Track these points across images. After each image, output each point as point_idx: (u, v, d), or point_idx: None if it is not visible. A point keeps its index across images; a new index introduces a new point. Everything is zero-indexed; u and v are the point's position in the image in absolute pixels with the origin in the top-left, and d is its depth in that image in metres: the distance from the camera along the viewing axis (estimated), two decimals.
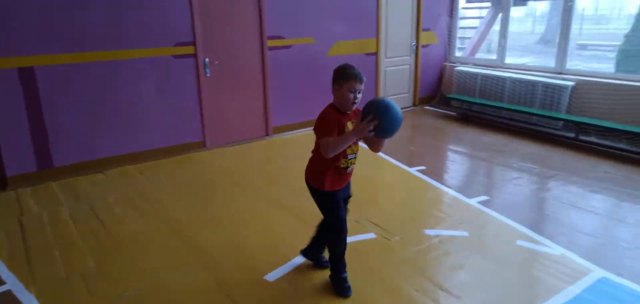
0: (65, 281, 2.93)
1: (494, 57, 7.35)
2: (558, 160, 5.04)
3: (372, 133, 2.30)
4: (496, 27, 7.72)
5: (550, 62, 6.49)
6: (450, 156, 5.52)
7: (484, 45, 8.63)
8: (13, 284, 2.90)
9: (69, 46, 4.69)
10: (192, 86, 5.55)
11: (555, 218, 3.68)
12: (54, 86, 4.68)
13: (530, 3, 10.23)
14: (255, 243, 3.38)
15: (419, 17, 7.46)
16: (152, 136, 5.39)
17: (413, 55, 7.64)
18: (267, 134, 6.29)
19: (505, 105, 6.58)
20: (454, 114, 7.24)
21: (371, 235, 3.39)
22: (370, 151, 2.62)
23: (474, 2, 8.71)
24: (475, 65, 7.51)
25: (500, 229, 3.51)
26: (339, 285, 2.72)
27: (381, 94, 7.27)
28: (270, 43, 6.02)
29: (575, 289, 2.72)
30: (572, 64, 6.42)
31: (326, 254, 2.82)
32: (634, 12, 6.34)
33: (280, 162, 5.29)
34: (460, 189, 4.30)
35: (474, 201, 4.01)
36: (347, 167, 2.56)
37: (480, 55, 8.23)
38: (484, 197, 4.08)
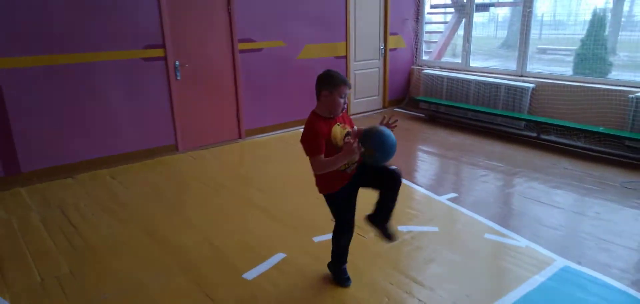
0: (40, 286, 2.89)
1: (459, 60, 7.60)
2: (521, 158, 5.27)
3: (366, 159, 2.39)
4: (461, 31, 7.98)
5: (512, 66, 6.77)
6: (420, 155, 5.68)
7: (449, 49, 8.89)
8: None
9: (34, 49, 4.60)
10: (163, 89, 5.52)
11: (520, 212, 3.87)
12: (19, 90, 4.58)
13: (492, 9, 10.60)
14: (232, 243, 3.41)
15: (387, 21, 7.64)
16: (123, 140, 5.33)
17: (382, 59, 7.82)
18: (239, 137, 6.30)
19: (470, 106, 6.82)
20: (423, 115, 7.44)
21: None
22: None
23: (439, 7, 8.96)
24: (442, 68, 7.74)
25: (469, 224, 3.66)
26: (338, 275, 2.82)
27: (352, 95, 7.39)
28: (240, 46, 6.05)
29: (539, 278, 2.88)
30: (533, 67, 6.73)
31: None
32: (588, 18, 6.68)
33: (253, 165, 5.32)
34: (430, 188, 4.45)
35: (443, 198, 4.16)
36: (346, 168, 2.54)
37: (446, 58, 8.48)
38: (452, 195, 4.24)
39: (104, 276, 3.00)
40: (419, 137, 6.34)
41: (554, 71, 6.91)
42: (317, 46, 6.83)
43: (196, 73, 5.76)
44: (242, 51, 6.07)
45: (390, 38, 7.77)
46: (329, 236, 3.37)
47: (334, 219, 2.72)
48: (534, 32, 6.59)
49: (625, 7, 7.61)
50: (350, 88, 2.50)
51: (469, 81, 6.98)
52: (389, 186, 2.58)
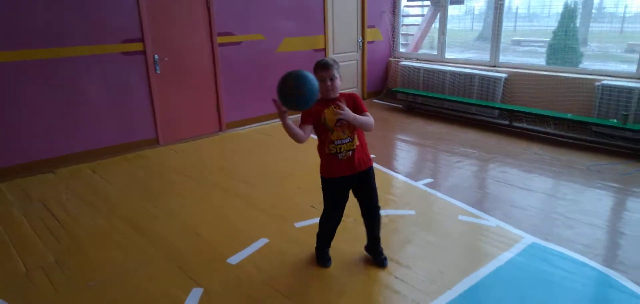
0: (25, 276, 2.93)
1: (435, 52, 7.78)
2: (494, 145, 5.47)
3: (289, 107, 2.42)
4: (437, 24, 8.16)
5: (487, 57, 6.98)
6: (398, 144, 5.84)
7: (426, 42, 9.07)
8: None
9: (11, 44, 4.58)
10: (143, 83, 5.54)
11: (492, 195, 4.05)
12: None
13: (467, 2, 10.82)
14: (215, 231, 3.50)
15: (364, 14, 7.77)
16: (104, 134, 5.34)
17: (360, 52, 7.95)
18: (220, 130, 6.36)
19: (446, 96, 7.01)
20: (400, 106, 7.61)
21: None
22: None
23: (415, 0, 9.13)
24: (418, 60, 7.92)
25: (444, 207, 3.82)
26: (320, 257, 2.98)
27: None
28: (220, 39, 6.09)
29: (509, 254, 3.04)
30: (507, 58, 6.94)
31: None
32: (560, 10, 6.92)
33: (234, 157, 5.40)
34: (407, 174, 4.60)
35: (420, 184, 4.31)
36: (337, 153, 2.62)
37: (423, 51, 8.65)
38: (429, 180, 4.39)
39: (89, 266, 3.05)
40: (397, 127, 6.50)
41: (527, 62, 7.15)
42: (296, 39, 6.91)
43: (176, 67, 5.79)
44: (221, 44, 6.12)
45: (368, 31, 7.90)
46: (311, 221, 3.52)
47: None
48: (508, 25, 6.81)
49: (596, 0, 7.89)
50: (327, 70, 2.56)
51: (444, 72, 7.17)
52: (367, 215, 2.86)
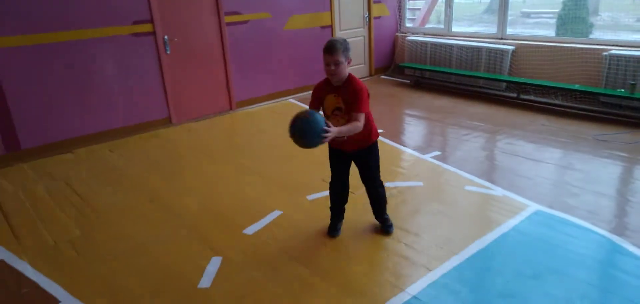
0: (54, 248, 3.10)
1: (442, 26, 7.79)
2: (502, 117, 5.54)
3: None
4: None
5: (494, 30, 6.98)
6: (406, 119, 5.92)
7: (433, 16, 9.06)
8: (4, 254, 3.05)
9: (27, 28, 4.70)
10: (154, 63, 5.66)
11: (499, 166, 4.15)
12: (14, 69, 4.70)
13: None
14: (231, 204, 3.64)
15: None
16: (118, 115, 5.48)
17: (366, 28, 7.97)
18: (230, 109, 6.48)
19: (453, 70, 7.04)
20: (408, 81, 7.66)
21: None
22: None
23: None
24: (425, 34, 7.93)
25: (451, 178, 3.92)
26: (329, 227, 3.12)
27: None
28: (227, 19, 6.17)
29: (514, 222, 3.16)
30: (516, 30, 6.93)
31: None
32: None
33: (245, 134, 5.52)
34: (415, 148, 4.70)
35: (427, 157, 4.42)
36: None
37: (430, 25, 8.65)
38: (437, 153, 4.49)
39: (113, 237, 3.22)
40: (405, 102, 6.57)
41: (533, 33, 7.14)
42: (303, 17, 6.96)
43: (185, 47, 5.89)
44: (229, 24, 6.19)
45: (374, 6, 7.91)
46: (322, 194, 3.66)
47: None
48: None
49: None
50: (331, 54, 2.53)
51: (451, 46, 7.19)
52: (367, 187, 3.01)
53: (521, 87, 6.21)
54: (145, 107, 5.68)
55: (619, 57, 5.38)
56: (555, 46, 6.08)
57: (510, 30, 6.80)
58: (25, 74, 4.77)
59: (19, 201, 3.87)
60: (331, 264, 2.80)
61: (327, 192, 3.66)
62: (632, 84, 5.13)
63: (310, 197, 3.65)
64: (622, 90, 5.30)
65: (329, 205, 3.12)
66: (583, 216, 3.18)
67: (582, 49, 5.81)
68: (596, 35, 6.48)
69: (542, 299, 2.38)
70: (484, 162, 4.28)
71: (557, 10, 7.15)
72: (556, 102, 5.89)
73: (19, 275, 2.84)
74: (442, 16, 7.99)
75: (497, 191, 3.63)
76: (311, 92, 2.79)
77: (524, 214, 3.24)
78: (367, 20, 7.92)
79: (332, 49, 2.53)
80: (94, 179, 4.26)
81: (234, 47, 6.31)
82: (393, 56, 8.44)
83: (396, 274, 2.66)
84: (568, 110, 5.64)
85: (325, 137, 2.43)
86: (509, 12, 6.78)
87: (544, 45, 6.19)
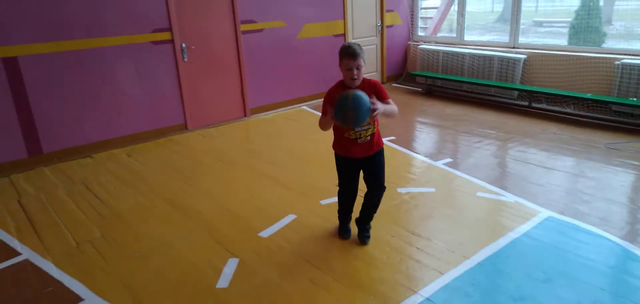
0: (76, 249, 3.21)
1: (454, 35, 7.85)
2: (513, 125, 5.57)
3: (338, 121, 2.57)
4: (456, 7, 8.21)
5: (506, 39, 7.02)
6: (418, 126, 5.98)
7: (445, 25, 9.13)
8: (29, 254, 3.16)
9: (50, 35, 4.86)
10: (171, 70, 5.79)
11: (510, 174, 4.19)
12: (38, 75, 4.85)
13: None
14: (246, 208, 3.73)
15: None
16: (136, 120, 5.62)
17: (379, 36, 8.06)
18: (245, 115, 6.59)
19: (465, 79, 7.09)
20: (420, 89, 7.72)
21: None
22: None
23: None
24: (437, 43, 8.00)
25: (463, 185, 3.97)
26: (340, 228, 3.20)
27: None
28: (243, 27, 6.30)
29: (525, 227, 3.20)
30: (528, 39, 6.97)
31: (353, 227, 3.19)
32: None
33: (260, 141, 5.62)
34: (427, 154, 4.76)
35: (439, 163, 4.47)
36: (358, 138, 2.78)
37: (442, 34, 8.72)
38: (448, 160, 4.54)
39: (134, 239, 3.32)
40: (417, 110, 6.63)
41: (545, 42, 7.17)
42: (316, 25, 7.07)
43: (202, 55, 6.03)
44: (244, 32, 6.32)
45: (387, 15, 8.00)
46: (335, 199, 3.70)
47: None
48: (530, 5, 6.83)
49: None
50: (354, 59, 2.63)
51: (463, 55, 7.24)
52: (372, 191, 2.99)
53: (533, 95, 6.24)
54: (162, 113, 5.81)
55: (631, 66, 5.39)
56: (567, 55, 6.11)
57: (522, 39, 6.84)
58: (48, 80, 4.92)
59: (41, 203, 4.00)
60: (344, 266, 2.87)
61: None
62: None
63: (323, 201, 3.73)
64: (634, 99, 5.31)
65: (338, 210, 3.19)
66: (594, 222, 3.22)
67: (594, 58, 5.83)
68: (609, 44, 6.49)
69: (554, 302, 2.42)
70: (496, 169, 4.32)
71: (569, 19, 7.17)
72: (568, 110, 5.91)
73: (44, 274, 2.95)
74: (454, 25, 8.06)
75: (509, 197, 3.67)
76: (324, 101, 2.80)
77: (536, 220, 3.28)
78: (380, 28, 8.01)
79: (355, 54, 2.63)
80: (113, 182, 4.38)
81: (249, 55, 6.43)
82: (405, 64, 8.51)
83: (409, 276, 2.72)
84: (580, 119, 5.65)
85: (374, 112, 2.52)
86: (521, 21, 6.83)
87: (556, 54, 6.23)
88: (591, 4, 6.71)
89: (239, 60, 6.37)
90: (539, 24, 12.44)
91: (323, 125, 2.79)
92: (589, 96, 5.69)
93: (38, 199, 4.08)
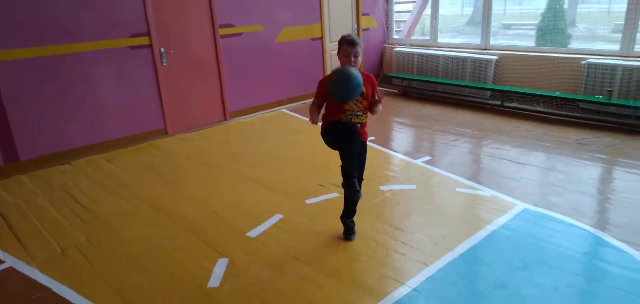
0: (62, 255, 3.19)
1: (428, 37, 8.05)
2: (488, 124, 5.77)
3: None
4: (428, 10, 8.42)
5: (478, 41, 7.25)
6: (396, 127, 6.12)
7: (418, 28, 9.33)
8: (12, 261, 3.12)
9: (26, 41, 4.79)
10: (150, 75, 5.77)
11: (486, 169, 4.35)
12: (14, 81, 4.77)
13: None
14: (232, 209, 3.76)
15: (358, 2, 8.00)
16: (115, 126, 5.57)
17: None
18: (224, 119, 6.60)
19: (440, 80, 7.29)
20: (396, 91, 7.88)
21: (335, 195, 3.86)
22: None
23: None
24: (412, 45, 8.19)
25: (442, 181, 4.11)
26: (345, 228, 3.19)
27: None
28: (222, 31, 6.32)
29: (503, 219, 3.34)
30: (497, 41, 7.23)
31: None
32: None
33: (241, 144, 5.65)
34: (406, 153, 4.89)
35: (419, 161, 4.60)
36: (350, 117, 2.84)
37: (415, 37, 8.91)
38: (427, 158, 4.68)
39: (119, 243, 3.31)
40: (394, 111, 6.77)
41: (515, 44, 7.44)
42: (294, 29, 7.14)
43: (181, 59, 6.02)
44: (223, 36, 6.34)
45: (363, 18, 8.14)
46: (320, 198, 3.81)
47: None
48: (498, 8, 7.08)
49: None
50: (353, 46, 2.77)
51: (437, 56, 7.44)
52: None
53: (505, 95, 6.47)
54: (141, 118, 5.78)
55: (596, 66, 5.66)
56: (536, 56, 6.36)
57: (493, 41, 7.08)
58: (24, 86, 4.84)
59: (20, 210, 3.94)
60: (334, 262, 2.94)
61: (324, 196, 3.84)
62: (609, 90, 5.41)
63: (309, 201, 3.79)
64: (600, 96, 5.58)
65: (344, 206, 3.14)
66: (567, 213, 3.39)
67: (562, 58, 6.09)
68: (574, 45, 6.79)
69: (532, 288, 2.56)
70: (472, 166, 4.48)
71: (536, 21, 7.46)
72: (538, 109, 6.15)
73: (30, 280, 2.92)
74: (427, 28, 8.26)
75: (486, 192, 3.82)
76: (318, 85, 2.86)
77: (512, 213, 3.43)
78: (356, 32, 8.14)
79: (354, 42, 2.78)
80: (94, 188, 4.34)
81: (228, 59, 6.45)
82: (381, 66, 8.67)
83: (395, 269, 2.82)
84: (550, 116, 5.90)
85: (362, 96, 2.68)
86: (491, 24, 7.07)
87: (526, 55, 6.47)
88: (557, 6, 7.01)
89: (218, 64, 6.38)
90: (508, 26, 12.83)
91: (312, 109, 2.81)
92: (558, 94, 5.93)
93: (17, 206, 4.02)
